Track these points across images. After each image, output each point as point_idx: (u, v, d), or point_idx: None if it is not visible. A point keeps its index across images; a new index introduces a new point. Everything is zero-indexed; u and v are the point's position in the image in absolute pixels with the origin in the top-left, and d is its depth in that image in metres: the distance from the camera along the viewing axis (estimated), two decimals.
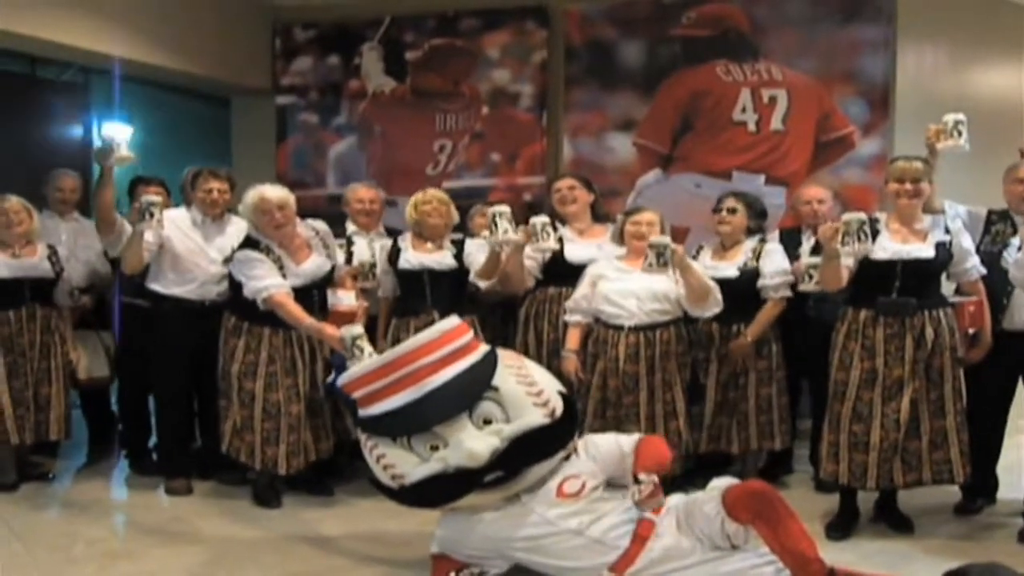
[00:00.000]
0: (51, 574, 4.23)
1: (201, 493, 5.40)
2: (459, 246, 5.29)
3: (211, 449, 5.32)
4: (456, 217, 5.36)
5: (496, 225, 4.88)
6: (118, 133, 5.04)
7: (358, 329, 4.42)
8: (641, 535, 3.77)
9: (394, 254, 5.31)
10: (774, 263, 5.12)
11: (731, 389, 5.18)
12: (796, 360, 5.30)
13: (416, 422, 3.82)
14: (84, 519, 5.05)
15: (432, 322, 4.91)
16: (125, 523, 5.17)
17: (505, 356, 4.07)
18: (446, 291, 5.22)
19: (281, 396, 4.99)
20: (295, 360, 5.03)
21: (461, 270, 5.25)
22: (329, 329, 4.64)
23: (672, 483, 4.65)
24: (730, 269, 5.09)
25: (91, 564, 4.38)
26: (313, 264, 5.08)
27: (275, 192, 5.00)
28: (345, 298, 5.12)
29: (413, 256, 5.26)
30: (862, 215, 4.23)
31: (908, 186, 4.41)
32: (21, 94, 9.05)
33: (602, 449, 4.02)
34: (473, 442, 3.73)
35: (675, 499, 3.94)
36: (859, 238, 4.17)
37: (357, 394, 3.99)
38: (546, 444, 3.85)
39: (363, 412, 3.97)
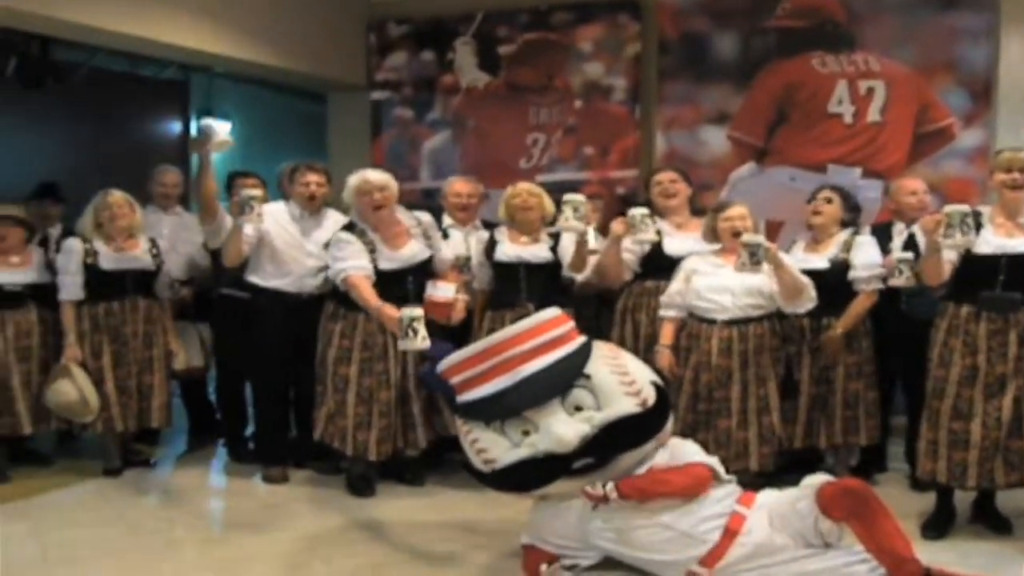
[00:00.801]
0: (152, 556, 4.34)
1: (296, 482, 5.49)
2: (555, 239, 5.29)
3: (307, 439, 5.40)
4: (551, 209, 5.32)
5: (561, 212, 4.89)
6: (216, 123, 5.18)
7: (417, 311, 4.47)
8: (731, 529, 3.75)
9: (490, 247, 5.34)
10: (866, 255, 5.04)
11: (822, 383, 5.11)
12: (889, 356, 5.21)
13: (508, 407, 3.84)
14: (184, 504, 5.19)
15: (527, 315, 4.91)
16: (223, 509, 5.31)
17: (601, 346, 4.07)
18: (541, 284, 5.23)
19: (373, 382, 5.06)
20: (387, 347, 5.08)
21: (557, 263, 5.26)
22: (388, 309, 4.72)
23: (765, 479, 4.64)
24: (821, 261, 5.03)
25: (190, 548, 4.49)
26: (410, 250, 5.14)
27: (377, 175, 5.14)
28: (442, 289, 5.15)
29: (510, 249, 5.28)
30: (965, 207, 4.12)
31: (1016, 175, 4.29)
32: (122, 92, 9.29)
33: (681, 453, 3.97)
34: (562, 427, 3.74)
35: (767, 495, 3.90)
36: (962, 231, 4.07)
37: (455, 380, 4.02)
38: (636, 433, 3.84)
39: (460, 398, 4.01)
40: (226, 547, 4.50)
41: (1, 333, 5.45)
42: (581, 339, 4.07)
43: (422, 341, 4.44)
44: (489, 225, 5.81)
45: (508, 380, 3.87)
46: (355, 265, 4.99)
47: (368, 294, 4.89)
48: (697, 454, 3.97)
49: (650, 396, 3.87)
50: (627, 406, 3.81)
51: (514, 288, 5.27)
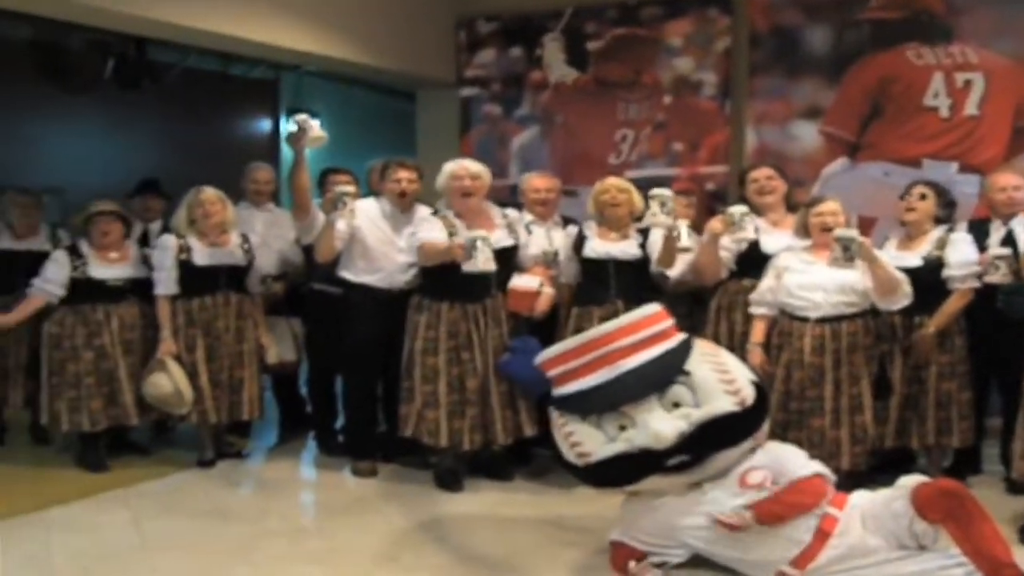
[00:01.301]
0: (246, 547, 4.42)
1: (385, 475, 5.54)
2: (645, 235, 5.25)
3: (395, 433, 5.43)
4: (640, 204, 5.26)
5: (649, 207, 4.87)
6: (310, 120, 5.28)
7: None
8: (824, 530, 3.70)
9: (579, 242, 5.32)
10: (960, 252, 4.94)
11: (914, 383, 5.02)
12: (984, 356, 5.10)
13: (606, 402, 3.84)
14: (276, 496, 5.27)
15: (615, 311, 4.96)
16: (313, 501, 5.39)
17: (702, 344, 4.06)
18: (630, 281, 5.20)
19: (461, 370, 5.09)
20: (471, 335, 5.11)
21: (646, 260, 5.22)
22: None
23: (856, 479, 4.57)
24: (914, 259, 4.94)
25: (283, 538, 4.56)
26: (493, 237, 5.11)
27: (473, 163, 5.25)
28: (526, 279, 5.17)
29: (598, 245, 5.26)
30: None
31: None
32: (214, 91, 9.46)
33: (785, 459, 3.92)
34: (660, 423, 3.73)
35: (860, 496, 3.85)
36: None
37: (553, 373, 4.03)
38: (733, 432, 3.82)
39: (557, 391, 4.02)
40: (318, 538, 4.57)
41: (107, 327, 5.58)
42: (681, 336, 4.05)
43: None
44: (568, 221, 5.83)
45: (607, 374, 3.87)
46: (431, 236, 5.08)
47: (439, 244, 4.99)
48: (801, 459, 3.93)
49: (749, 395, 3.84)
50: (726, 404, 3.79)
51: (602, 285, 5.24)
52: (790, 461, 3.90)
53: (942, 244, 5.00)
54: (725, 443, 3.81)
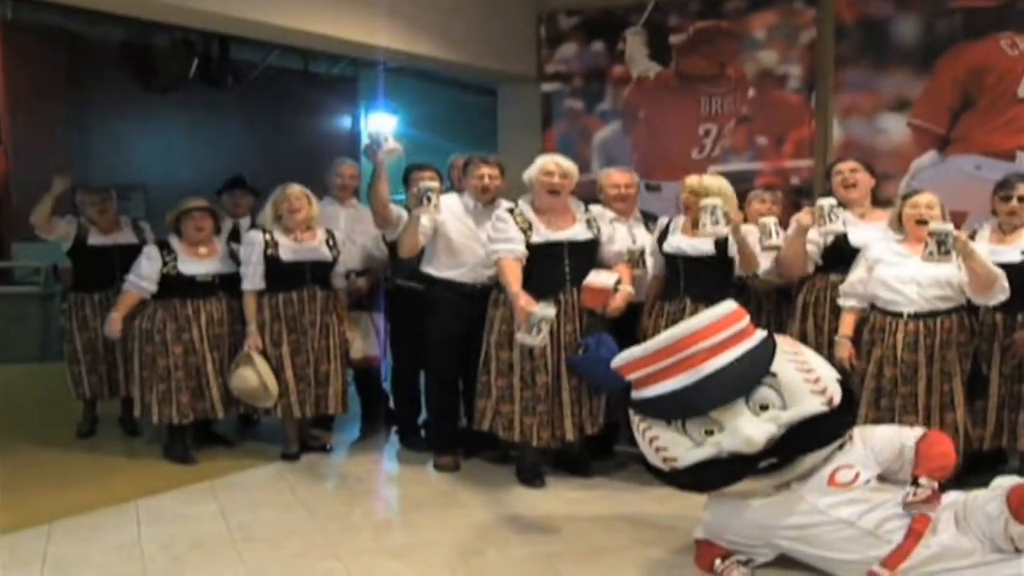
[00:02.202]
0: (333, 539, 4.46)
1: (467, 470, 5.55)
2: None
3: (478, 428, 5.44)
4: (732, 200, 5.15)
5: (775, 234, 4.88)
6: (384, 127, 5.30)
7: (550, 312, 4.62)
8: (916, 530, 3.63)
9: (662, 236, 5.28)
10: None
11: (1015, 382, 4.87)
12: None
13: (692, 406, 3.79)
14: (360, 490, 5.32)
15: (683, 308, 4.98)
16: (397, 495, 5.41)
17: (783, 342, 3.99)
18: (701, 277, 5.11)
19: (533, 366, 5.07)
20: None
21: (720, 257, 5.11)
22: (522, 301, 4.74)
23: (949, 479, 4.48)
24: (1012, 253, 4.79)
25: (368, 531, 4.60)
26: (570, 231, 5.15)
27: (565, 161, 5.20)
28: (603, 276, 5.11)
29: (675, 240, 5.20)
30: None
31: None
32: (295, 89, 9.59)
33: (880, 440, 3.88)
34: (750, 428, 3.67)
35: (953, 495, 3.76)
36: None
37: (633, 376, 3.98)
38: (822, 433, 3.76)
39: (637, 394, 3.97)
40: (402, 532, 4.60)
41: (195, 322, 5.68)
42: (761, 334, 3.99)
43: (541, 340, 4.64)
44: (648, 217, 5.80)
45: (690, 378, 3.81)
46: (507, 248, 5.04)
47: (512, 278, 4.93)
48: (895, 430, 3.95)
49: (836, 394, 3.79)
50: (814, 405, 3.74)
51: (674, 280, 5.20)
52: (887, 439, 3.89)
53: None
54: (815, 444, 3.75)
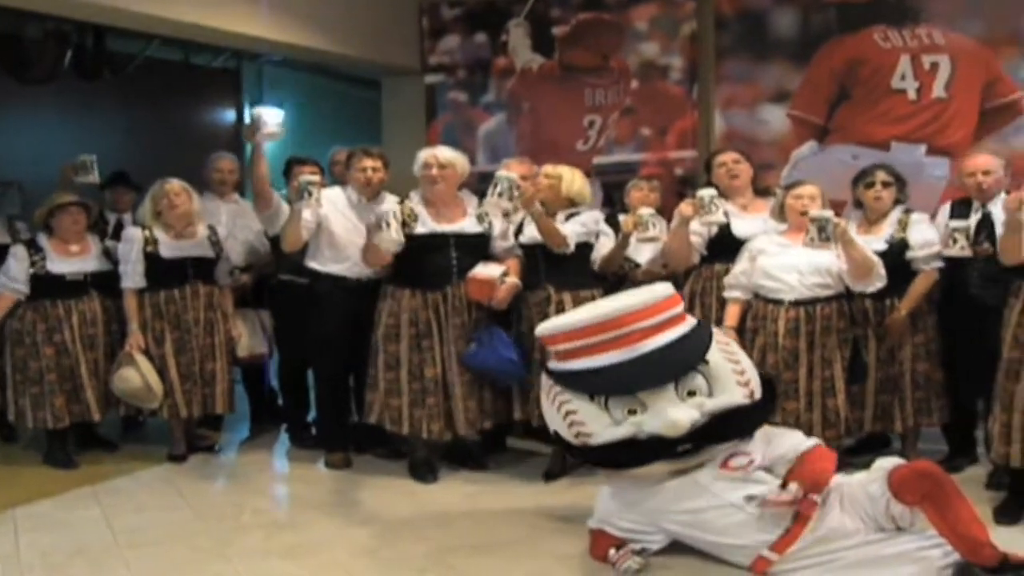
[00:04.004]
0: (220, 541, 4.37)
1: (359, 467, 5.51)
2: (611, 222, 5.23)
3: (369, 424, 5.39)
4: (578, 190, 5.24)
5: (652, 225, 4.89)
6: (267, 113, 5.25)
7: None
8: (804, 514, 3.71)
9: (519, 229, 5.28)
10: (922, 234, 4.97)
11: (890, 366, 5.03)
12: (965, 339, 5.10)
13: (622, 384, 3.81)
14: (249, 490, 5.23)
15: (547, 298, 5.03)
16: (287, 495, 5.35)
17: (715, 332, 4.07)
18: (560, 266, 5.11)
19: (421, 358, 5.06)
20: (430, 323, 5.07)
21: (578, 245, 5.11)
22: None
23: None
24: (878, 243, 4.93)
25: (257, 532, 4.52)
26: (459, 225, 5.15)
27: (445, 152, 5.21)
28: (488, 268, 5.11)
29: (532, 230, 5.17)
30: None
31: None
32: (176, 81, 9.37)
33: (778, 437, 3.96)
34: (676, 412, 3.72)
35: (837, 479, 3.85)
36: None
37: (563, 347, 3.96)
38: (742, 424, 3.85)
39: (561, 366, 3.96)
40: (293, 531, 4.52)
41: (67, 323, 5.51)
42: (693, 321, 4.06)
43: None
44: None
45: (625, 355, 3.82)
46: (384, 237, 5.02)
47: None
48: (797, 436, 4.01)
49: (757, 388, 3.87)
50: (738, 396, 3.82)
51: (534, 270, 5.18)
52: (782, 436, 3.96)
53: (904, 226, 5.00)
54: (733, 434, 3.83)
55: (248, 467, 5.66)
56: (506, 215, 5.15)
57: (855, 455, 5.07)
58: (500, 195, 4.80)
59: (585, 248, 5.17)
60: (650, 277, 5.40)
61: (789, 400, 4.77)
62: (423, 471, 5.23)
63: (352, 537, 4.40)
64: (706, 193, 4.91)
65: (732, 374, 3.84)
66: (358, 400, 5.64)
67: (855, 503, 3.69)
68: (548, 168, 5.28)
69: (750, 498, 3.74)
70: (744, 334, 4.94)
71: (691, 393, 3.79)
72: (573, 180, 5.24)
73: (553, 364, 4.02)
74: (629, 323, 3.84)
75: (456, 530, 4.47)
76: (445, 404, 5.10)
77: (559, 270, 5.11)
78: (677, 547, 3.96)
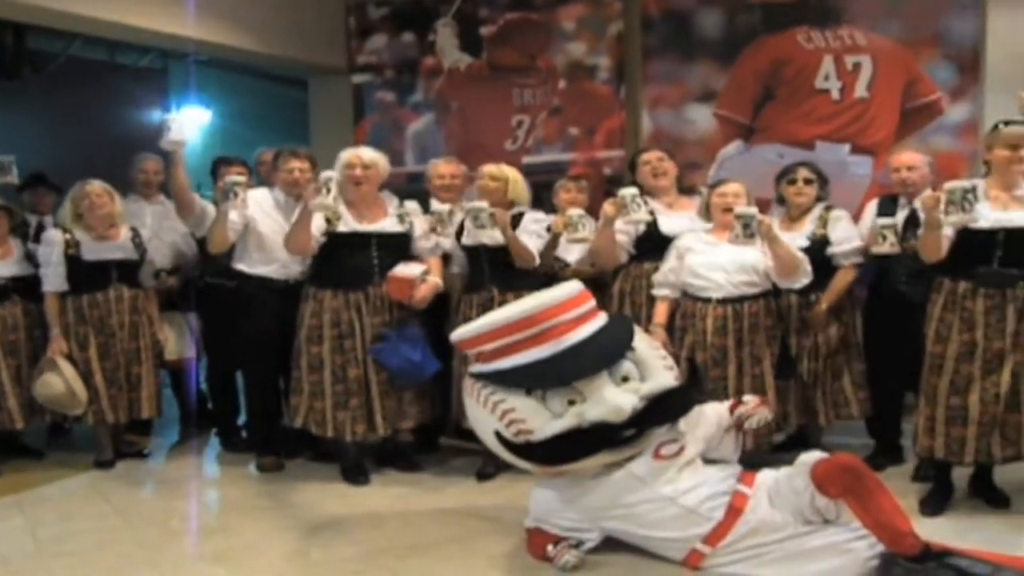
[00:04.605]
0: (150, 548, 4.30)
1: (290, 470, 5.47)
2: (518, 221, 5.22)
3: (292, 425, 5.34)
4: (518, 192, 5.27)
5: (581, 227, 4.92)
6: (178, 117, 5.21)
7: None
8: (736, 507, 3.78)
9: (460, 230, 5.26)
10: (842, 230, 5.07)
11: (811, 360, 5.11)
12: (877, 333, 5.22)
13: (556, 376, 3.83)
14: (179, 495, 5.17)
15: (491, 299, 5.01)
16: (218, 499, 5.27)
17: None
18: (504, 267, 5.12)
19: (344, 360, 5.04)
20: (352, 323, 5.05)
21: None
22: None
23: (763, 458, 4.65)
24: (800, 239, 5.00)
25: (187, 538, 4.48)
26: (379, 225, 5.13)
27: (368, 152, 5.19)
28: (409, 267, 5.11)
29: (472, 234, 5.18)
30: (966, 183, 4.08)
31: (1022, 152, 4.24)
32: (101, 81, 9.22)
33: (702, 416, 4.04)
34: (618, 397, 3.77)
35: (767, 474, 3.92)
36: (963, 207, 4.03)
37: (488, 347, 3.97)
38: (677, 405, 3.93)
39: (488, 367, 3.97)
40: (224, 536, 4.47)
41: None
42: (605, 315, 4.13)
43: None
44: None
45: (552, 348, 3.86)
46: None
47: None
48: (717, 406, 4.16)
49: (681, 372, 3.93)
50: (668, 379, 3.91)
51: (478, 271, 5.19)
52: (705, 416, 4.09)
53: (824, 222, 5.09)
54: (671, 416, 3.92)
55: (178, 472, 5.59)
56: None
57: (785, 450, 5.14)
58: (482, 227, 4.87)
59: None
60: (580, 276, 5.43)
61: (719, 398, 4.81)
62: (355, 473, 5.21)
63: (283, 540, 4.37)
64: (627, 192, 4.94)
65: (658, 359, 3.94)
66: (288, 402, 5.61)
67: (782, 497, 3.76)
68: (492, 169, 5.27)
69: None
70: (673, 332, 4.99)
71: (625, 379, 3.86)
72: (517, 181, 5.28)
73: (479, 367, 4.02)
74: (548, 319, 3.89)
75: (388, 531, 4.45)
76: (368, 405, 5.08)
77: (503, 271, 5.11)
78: (613, 544, 4.00)
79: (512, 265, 5.09)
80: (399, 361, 4.95)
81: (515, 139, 7.28)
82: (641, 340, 3.99)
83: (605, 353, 3.87)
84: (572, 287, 4.05)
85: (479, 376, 4.00)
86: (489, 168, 5.28)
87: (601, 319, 4.04)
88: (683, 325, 4.95)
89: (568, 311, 3.91)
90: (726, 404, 4.18)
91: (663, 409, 3.86)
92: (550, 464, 3.98)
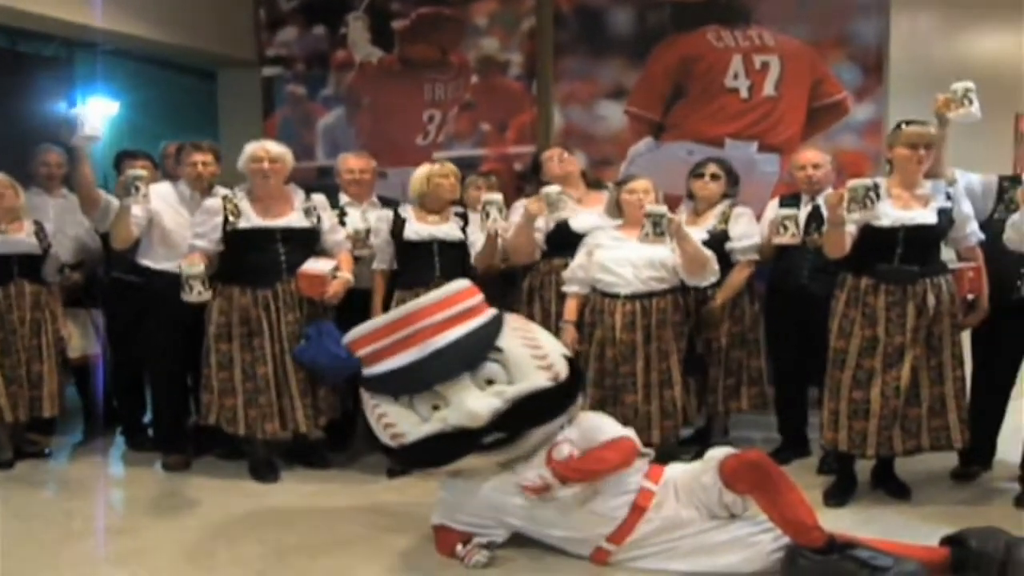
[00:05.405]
0: (51, 550, 4.21)
1: (198, 468, 5.39)
2: (463, 218, 5.26)
3: (203, 423, 5.29)
4: (459, 191, 5.36)
5: (488, 215, 4.88)
6: (89, 111, 5.10)
7: (196, 269, 4.77)
8: (640, 506, 3.82)
9: (398, 225, 5.24)
10: (742, 226, 5.15)
11: (711, 353, 5.20)
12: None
13: (418, 381, 3.84)
14: (82, 495, 5.06)
15: None
16: (123, 499, 5.17)
17: (513, 320, 4.10)
18: (454, 262, 5.14)
19: (252, 357, 5.00)
20: (261, 320, 5.00)
21: (467, 242, 5.21)
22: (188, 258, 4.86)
23: (671, 452, 4.70)
24: (700, 233, 5.05)
25: (90, 540, 4.38)
26: (285, 219, 5.08)
27: (274, 146, 5.13)
28: (319, 263, 5.08)
29: (421, 227, 5.19)
30: (868, 181, 4.16)
31: (921, 152, 4.37)
32: (2, 70, 8.97)
33: (594, 430, 3.99)
34: (474, 402, 3.75)
35: (674, 469, 3.96)
36: (865, 205, 4.11)
37: (362, 352, 4.00)
38: (548, 407, 3.87)
39: (367, 371, 3.99)
40: (127, 537, 4.38)
41: None
42: (492, 312, 4.08)
43: (196, 296, 4.76)
44: (386, 202, 5.76)
45: (418, 353, 3.87)
46: (200, 245, 5.00)
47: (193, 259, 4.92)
48: (611, 425, 4.03)
49: (562, 370, 3.90)
50: (539, 380, 3.84)
51: (427, 266, 5.15)
52: (599, 429, 3.98)
53: (726, 218, 5.18)
54: (540, 419, 3.86)
55: (81, 472, 5.47)
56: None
57: (692, 445, 5.20)
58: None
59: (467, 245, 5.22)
60: (491, 271, 5.43)
61: (628, 393, 4.86)
62: (263, 471, 5.16)
63: (189, 540, 4.30)
64: (552, 190, 4.94)
65: (531, 359, 3.87)
66: (196, 400, 5.52)
67: (690, 493, 3.80)
68: (449, 167, 5.30)
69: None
70: (584, 328, 5.01)
71: (490, 382, 3.84)
72: (459, 177, 5.33)
73: (364, 371, 4.04)
74: (420, 320, 3.91)
75: (297, 530, 4.41)
76: (279, 402, 5.03)
77: (452, 264, 5.10)
78: (522, 540, 4.00)
79: (461, 258, 5.15)
80: (327, 359, 4.88)
81: (426, 134, 7.24)
82: (512, 341, 3.92)
83: (462, 357, 3.85)
84: (449, 288, 4.07)
85: (361, 382, 4.04)
86: (448, 165, 5.32)
87: (478, 320, 4.00)
88: (592, 321, 4.98)
89: (437, 313, 3.92)
90: (618, 432, 3.98)
91: (531, 412, 3.82)
92: (421, 467, 4.08)
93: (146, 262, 5.32)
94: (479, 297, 4.12)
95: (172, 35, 7.04)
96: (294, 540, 4.28)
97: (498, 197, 4.92)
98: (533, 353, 3.90)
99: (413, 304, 4.02)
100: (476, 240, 5.14)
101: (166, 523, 4.54)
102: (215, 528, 4.46)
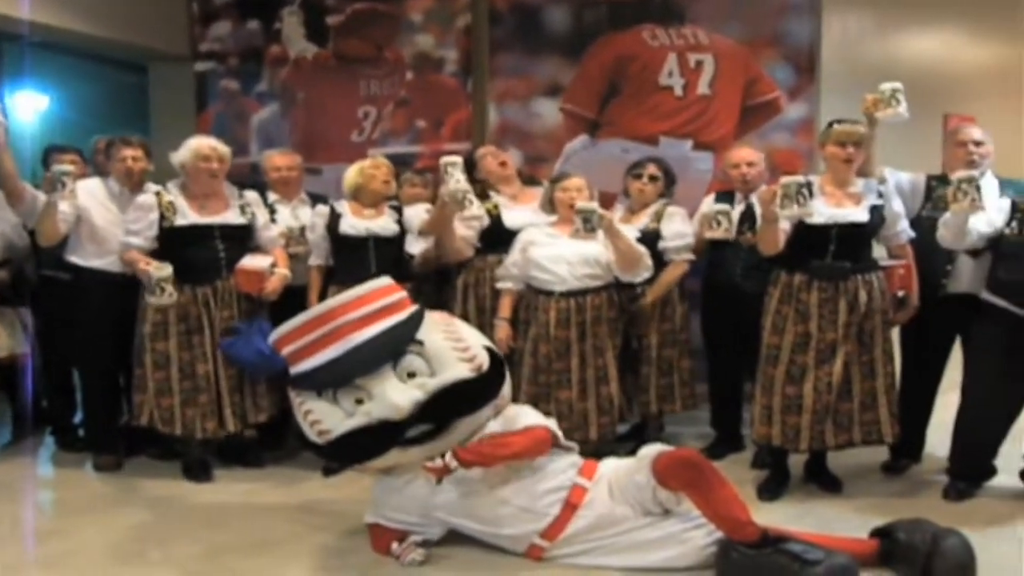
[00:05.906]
0: None
1: (130, 469, 5.33)
2: (398, 212, 5.24)
3: (136, 424, 5.20)
4: (395, 187, 5.35)
5: (449, 175, 4.81)
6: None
7: (166, 271, 4.72)
8: (572, 502, 3.85)
9: (333, 221, 5.20)
10: (675, 225, 5.19)
11: (643, 350, 5.23)
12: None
13: (340, 375, 3.86)
14: (9, 498, 4.98)
15: None
16: (53, 501, 5.09)
17: (434, 314, 4.12)
18: (390, 257, 5.14)
19: (192, 355, 4.96)
20: (201, 318, 4.96)
21: (403, 236, 5.21)
22: (142, 264, 4.80)
23: (607, 448, 4.72)
24: (632, 231, 5.07)
25: (18, 543, 4.31)
26: (222, 217, 5.05)
27: (221, 145, 5.09)
28: (257, 259, 5.05)
29: (357, 222, 5.16)
30: (800, 178, 4.21)
31: (850, 150, 4.43)
32: None
33: (520, 422, 4.00)
34: (396, 394, 3.76)
35: (608, 465, 3.98)
36: (798, 201, 4.15)
37: (287, 350, 4.02)
38: (471, 398, 3.90)
39: (293, 369, 4.00)
40: (58, 539, 4.31)
41: None
42: (413, 307, 4.09)
43: (168, 298, 4.72)
44: (316, 198, 5.73)
45: (339, 348, 3.88)
46: (135, 243, 4.95)
47: (134, 257, 4.89)
48: (532, 416, 4.05)
49: (484, 361, 3.93)
50: (461, 371, 3.86)
51: (362, 262, 5.11)
52: (517, 419, 4.00)
53: (659, 217, 5.22)
54: (464, 410, 3.89)
55: (9, 474, 5.37)
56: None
57: (626, 442, 5.23)
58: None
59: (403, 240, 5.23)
60: (426, 267, 5.43)
61: (562, 389, 4.88)
62: (197, 471, 5.11)
63: (121, 542, 4.24)
64: (458, 189, 4.86)
65: (452, 351, 3.90)
66: (128, 399, 5.44)
67: (623, 490, 3.84)
68: (382, 160, 5.34)
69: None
70: (518, 324, 5.02)
71: (411, 375, 3.86)
72: (393, 172, 5.34)
73: (291, 369, 4.04)
74: (340, 316, 3.94)
75: (231, 529, 4.37)
76: (218, 401, 4.99)
77: (388, 260, 5.09)
78: (457, 537, 4.01)
79: (397, 254, 5.16)
80: (251, 355, 4.84)
81: (361, 130, 7.19)
82: (433, 334, 3.95)
83: (382, 351, 3.87)
84: (370, 284, 4.09)
85: (286, 380, 4.06)
86: (383, 159, 5.37)
87: (399, 315, 4.02)
88: (526, 318, 5.00)
89: (358, 308, 3.95)
90: (541, 422, 4.01)
91: (454, 403, 3.85)
92: (349, 463, 4.14)
93: (75, 259, 5.24)
94: (400, 294, 4.14)
95: (103, 28, 6.93)
96: (227, 539, 4.24)
97: (458, 159, 4.88)
98: (454, 345, 3.93)
99: (332, 301, 4.07)
100: (414, 224, 5.16)
101: (97, 524, 4.47)
102: (147, 529, 4.41)
